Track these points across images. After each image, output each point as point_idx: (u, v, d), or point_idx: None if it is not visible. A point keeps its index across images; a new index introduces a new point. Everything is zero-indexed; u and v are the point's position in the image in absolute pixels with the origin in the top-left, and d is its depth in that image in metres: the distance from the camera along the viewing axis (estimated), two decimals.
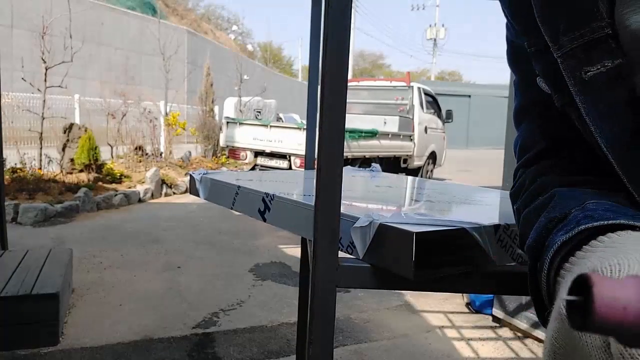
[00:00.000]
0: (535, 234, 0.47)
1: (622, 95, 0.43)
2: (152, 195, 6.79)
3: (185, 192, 7.14)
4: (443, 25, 36.56)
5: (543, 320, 0.44)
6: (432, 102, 9.52)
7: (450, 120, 9.99)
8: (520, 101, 0.60)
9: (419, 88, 8.99)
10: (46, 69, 6.49)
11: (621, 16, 0.42)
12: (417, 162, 8.78)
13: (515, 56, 0.58)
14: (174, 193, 7.25)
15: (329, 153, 0.75)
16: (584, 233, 0.40)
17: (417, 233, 0.70)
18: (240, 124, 7.22)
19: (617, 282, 0.24)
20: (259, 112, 12.21)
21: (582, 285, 0.25)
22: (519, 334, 2.75)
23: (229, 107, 11.79)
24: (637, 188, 0.43)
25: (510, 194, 0.59)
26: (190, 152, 9.65)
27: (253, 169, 7.02)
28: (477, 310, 3.10)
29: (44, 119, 6.59)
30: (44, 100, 6.64)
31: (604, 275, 0.25)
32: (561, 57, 0.46)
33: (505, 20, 0.58)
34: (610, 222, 0.40)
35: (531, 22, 0.48)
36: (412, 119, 8.62)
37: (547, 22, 0.47)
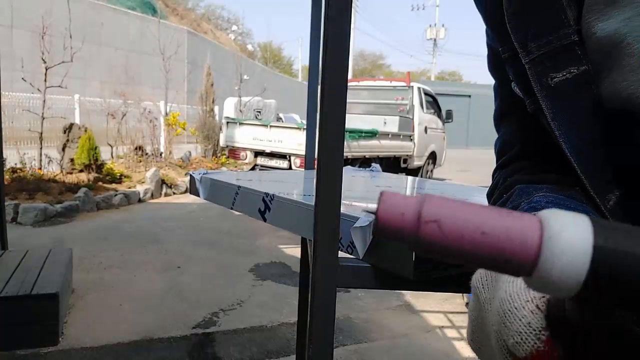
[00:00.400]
0: None
1: (587, 102, 0.44)
2: (152, 195, 6.79)
3: (185, 192, 7.14)
4: (443, 25, 36.59)
5: None
6: (432, 102, 9.52)
7: (450, 120, 9.99)
8: (499, 105, 0.61)
9: (419, 88, 8.99)
10: (46, 69, 6.48)
11: (587, 23, 0.42)
12: (417, 162, 8.79)
13: (495, 61, 0.59)
14: (174, 193, 7.24)
15: (329, 153, 0.75)
16: None
17: None
18: (240, 124, 7.22)
19: (402, 196, 0.27)
20: (259, 112, 12.19)
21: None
22: None
23: (229, 107, 11.78)
24: (599, 193, 0.44)
25: (486, 194, 0.61)
26: (190, 152, 9.64)
27: (253, 169, 7.02)
28: None
29: (44, 119, 6.59)
30: (44, 100, 6.64)
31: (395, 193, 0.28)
32: (529, 63, 0.46)
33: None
34: None
35: (504, 28, 0.49)
36: (412, 119, 8.62)
37: (517, 29, 0.47)
